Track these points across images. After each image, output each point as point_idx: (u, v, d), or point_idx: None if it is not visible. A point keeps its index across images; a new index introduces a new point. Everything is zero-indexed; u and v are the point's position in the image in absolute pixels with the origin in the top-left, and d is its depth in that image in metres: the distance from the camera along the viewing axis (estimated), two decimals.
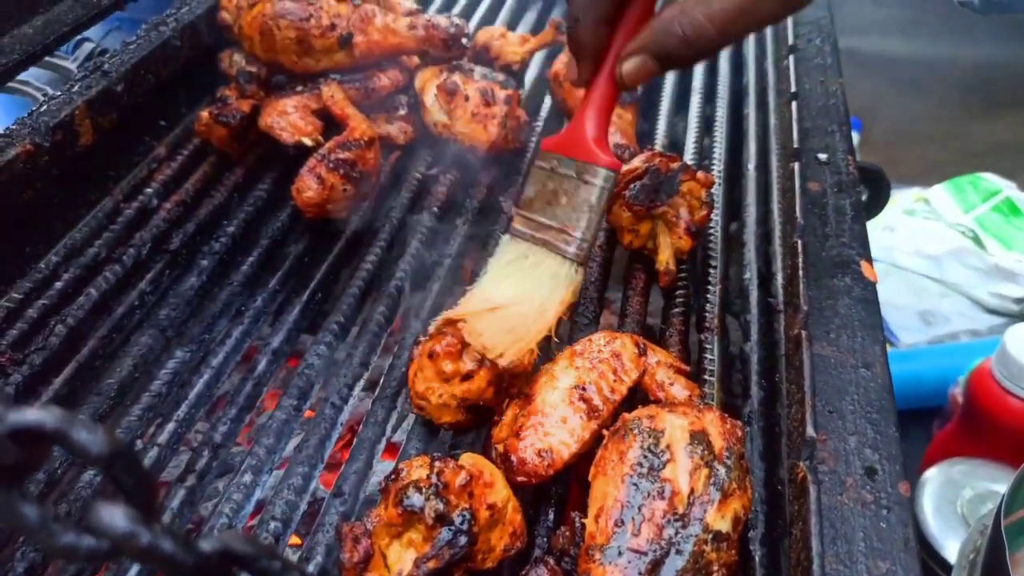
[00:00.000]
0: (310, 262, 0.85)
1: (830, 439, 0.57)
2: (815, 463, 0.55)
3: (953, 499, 1.04)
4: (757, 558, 0.55)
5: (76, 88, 0.88)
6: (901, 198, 1.94)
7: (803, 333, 0.63)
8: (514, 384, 0.64)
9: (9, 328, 0.73)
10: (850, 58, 2.20)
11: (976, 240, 1.76)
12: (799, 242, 0.71)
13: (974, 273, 1.74)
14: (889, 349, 1.66)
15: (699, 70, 1.14)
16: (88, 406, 0.68)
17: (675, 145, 1.01)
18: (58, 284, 0.78)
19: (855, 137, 1.88)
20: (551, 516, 0.61)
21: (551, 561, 0.57)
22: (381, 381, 0.71)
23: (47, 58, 1.23)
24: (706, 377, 0.71)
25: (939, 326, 1.71)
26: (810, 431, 0.56)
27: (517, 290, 0.66)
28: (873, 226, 1.93)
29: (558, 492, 0.63)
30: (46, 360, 0.71)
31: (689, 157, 0.96)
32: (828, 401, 0.59)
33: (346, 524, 0.54)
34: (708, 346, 0.74)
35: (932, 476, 1.09)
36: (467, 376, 0.62)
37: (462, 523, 0.53)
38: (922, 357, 1.61)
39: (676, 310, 0.78)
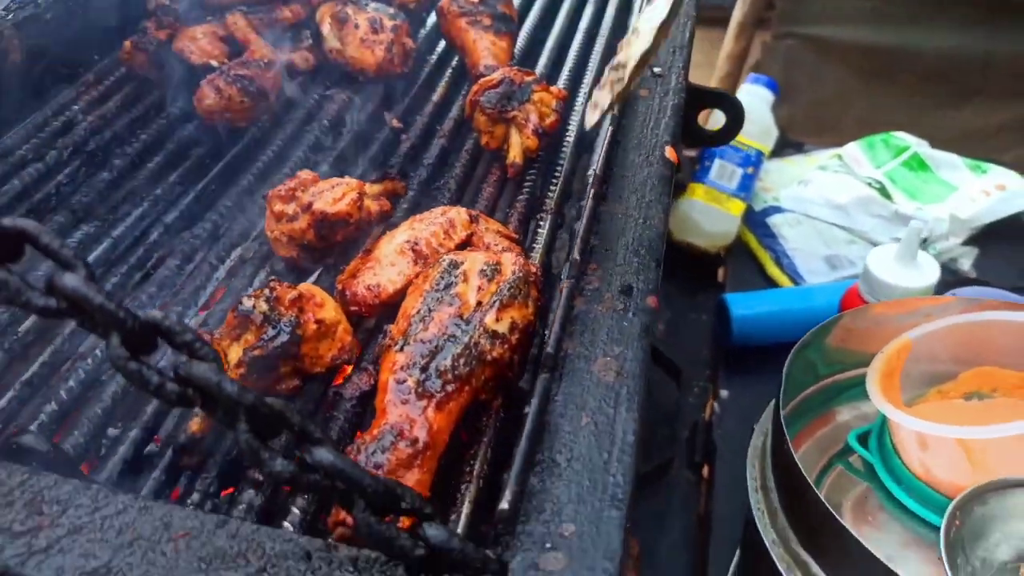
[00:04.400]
0: (210, 163, 0.97)
1: (601, 268, 0.69)
2: (583, 284, 0.68)
3: None
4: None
5: (11, 16, 1.01)
6: (819, 157, 2.07)
7: (592, 192, 0.75)
8: (335, 231, 0.76)
9: None
10: (819, 47, 2.29)
11: (883, 191, 1.89)
12: (609, 128, 0.83)
13: (878, 221, 1.86)
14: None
15: (587, 13, 1.26)
16: None
17: (555, 69, 1.13)
18: None
19: (770, 97, 2.01)
20: (379, 341, 0.73)
21: (370, 368, 0.69)
22: (253, 249, 0.83)
23: None
24: (535, 246, 0.83)
25: (844, 269, 1.83)
26: (575, 257, 0.68)
27: None
28: (789, 179, 2.06)
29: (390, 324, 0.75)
30: None
31: (564, 78, 1.09)
32: (605, 242, 0.72)
33: (198, 331, 0.67)
34: (542, 226, 0.86)
35: None
36: (292, 218, 0.74)
37: (286, 324, 0.65)
38: (820, 293, 1.73)
39: (520, 197, 0.90)
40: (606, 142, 0.82)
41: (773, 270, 1.87)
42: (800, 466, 0.74)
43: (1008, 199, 1.86)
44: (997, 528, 0.78)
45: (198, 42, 1.03)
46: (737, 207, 1.92)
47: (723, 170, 1.87)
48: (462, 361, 0.62)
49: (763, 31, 2.63)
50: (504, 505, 0.50)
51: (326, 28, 1.06)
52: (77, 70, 1.11)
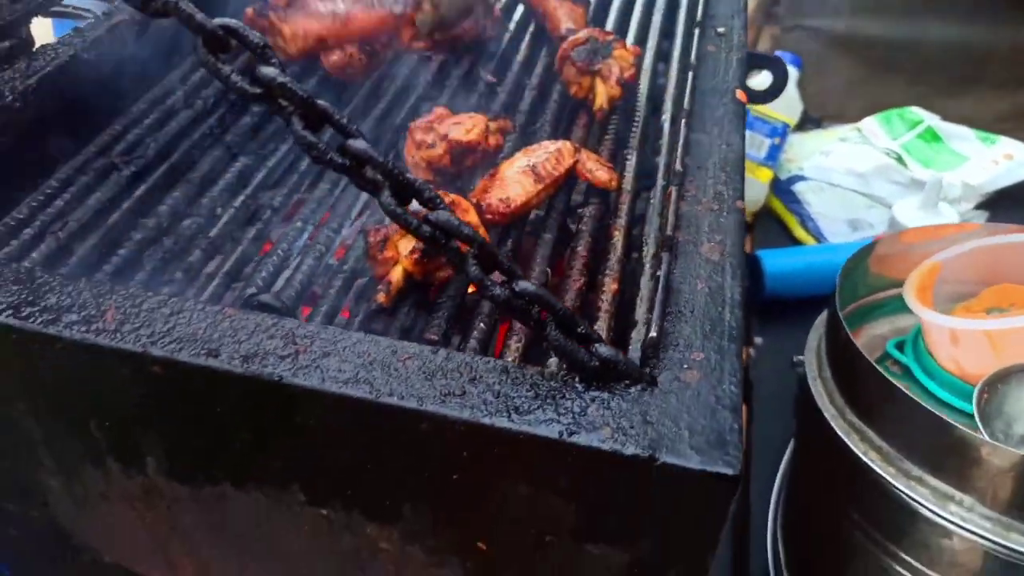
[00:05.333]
0: (338, 108, 1.12)
1: (695, 179, 0.85)
2: (683, 191, 0.83)
3: None
4: (646, 248, 0.83)
5: None
6: (839, 130, 2.22)
7: (683, 122, 0.90)
8: (466, 157, 0.91)
9: (116, 144, 1.01)
10: (826, 39, 2.41)
11: (899, 160, 2.04)
12: (690, 73, 0.98)
13: (896, 187, 2.01)
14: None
15: None
16: (178, 190, 0.96)
17: (620, 32, 1.28)
18: (147, 120, 1.05)
19: (795, 72, 2.15)
20: (508, 245, 0.88)
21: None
22: None
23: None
24: (625, 174, 0.98)
25: (864, 231, 1.99)
26: (678, 168, 0.84)
27: None
28: (811, 151, 2.20)
29: (517, 234, 0.90)
30: (146, 163, 0.99)
31: (630, 40, 1.24)
32: (696, 160, 0.87)
33: (371, 227, 0.82)
34: (629, 158, 1.01)
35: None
36: (431, 145, 0.90)
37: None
38: (846, 249, 1.88)
39: (607, 136, 1.06)
40: (689, 84, 0.97)
41: (799, 232, 2.03)
42: (857, 345, 0.89)
43: (1015, 168, 2.02)
44: (1018, 405, 0.94)
45: None
46: (765, 175, 2.08)
47: (752, 140, 2.03)
48: None
49: (771, 25, 2.76)
50: (653, 333, 0.66)
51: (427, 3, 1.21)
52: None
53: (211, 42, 0.53)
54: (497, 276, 0.61)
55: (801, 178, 2.08)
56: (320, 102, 0.56)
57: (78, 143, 0.99)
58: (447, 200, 0.82)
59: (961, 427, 0.79)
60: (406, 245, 0.81)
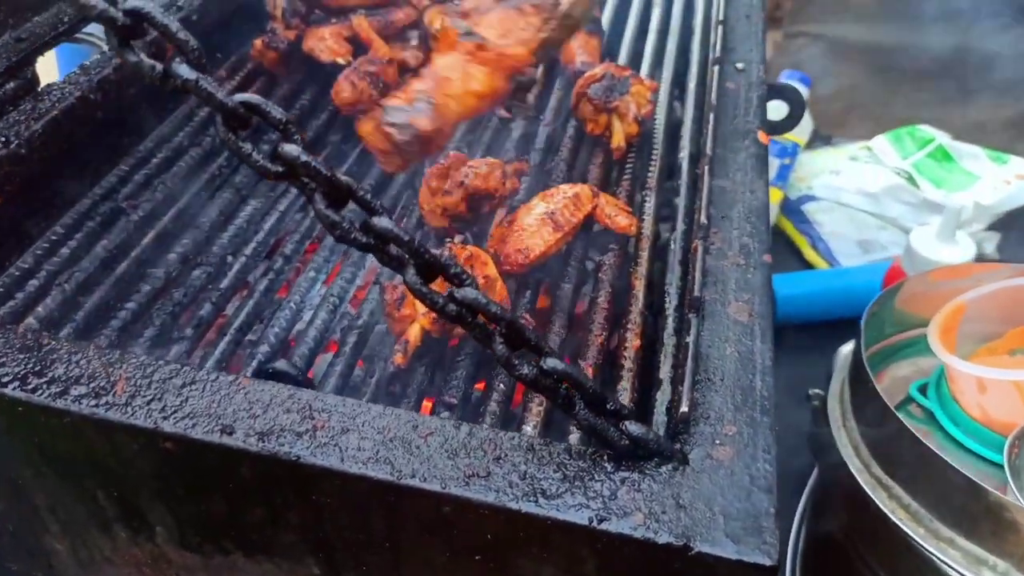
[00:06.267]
0: (346, 148, 1.10)
1: (721, 231, 0.82)
2: (708, 243, 0.81)
3: None
4: (668, 299, 0.81)
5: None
6: (849, 149, 2.19)
7: (707, 169, 0.88)
8: (483, 204, 0.89)
9: (123, 187, 0.98)
10: (829, 45, 2.39)
11: (911, 180, 2.02)
12: (711, 116, 0.96)
13: (907, 208, 1.99)
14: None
15: (655, 13, 1.39)
16: (187, 236, 0.93)
17: (634, 63, 1.26)
18: (154, 160, 1.03)
19: (804, 91, 2.13)
20: (527, 296, 0.86)
21: (528, 316, 0.82)
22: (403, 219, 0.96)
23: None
24: (644, 217, 0.96)
25: (876, 252, 1.96)
26: (703, 220, 0.81)
27: None
28: (821, 170, 2.18)
29: (534, 283, 0.88)
30: (153, 208, 0.96)
31: (643, 73, 1.22)
32: (721, 210, 0.85)
33: (388, 283, 0.80)
34: (647, 199, 0.99)
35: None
36: (447, 192, 0.87)
37: (465, 279, 0.78)
38: (858, 273, 1.86)
39: (625, 176, 1.03)
40: (711, 127, 0.95)
41: (810, 253, 2.01)
42: (883, 396, 0.87)
43: None
44: None
45: (326, 42, 1.16)
46: (775, 195, 2.05)
47: None
48: None
49: (774, 30, 2.74)
50: (684, 408, 0.63)
51: (435, 29, 1.19)
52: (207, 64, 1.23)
53: (231, 120, 0.51)
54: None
55: (811, 198, 2.06)
56: (343, 177, 0.53)
57: (83, 185, 0.97)
58: (464, 254, 0.80)
59: (995, 492, 0.77)
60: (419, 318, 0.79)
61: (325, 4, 1.19)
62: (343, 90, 1.09)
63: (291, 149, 0.51)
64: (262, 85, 1.19)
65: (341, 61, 1.15)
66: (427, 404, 0.79)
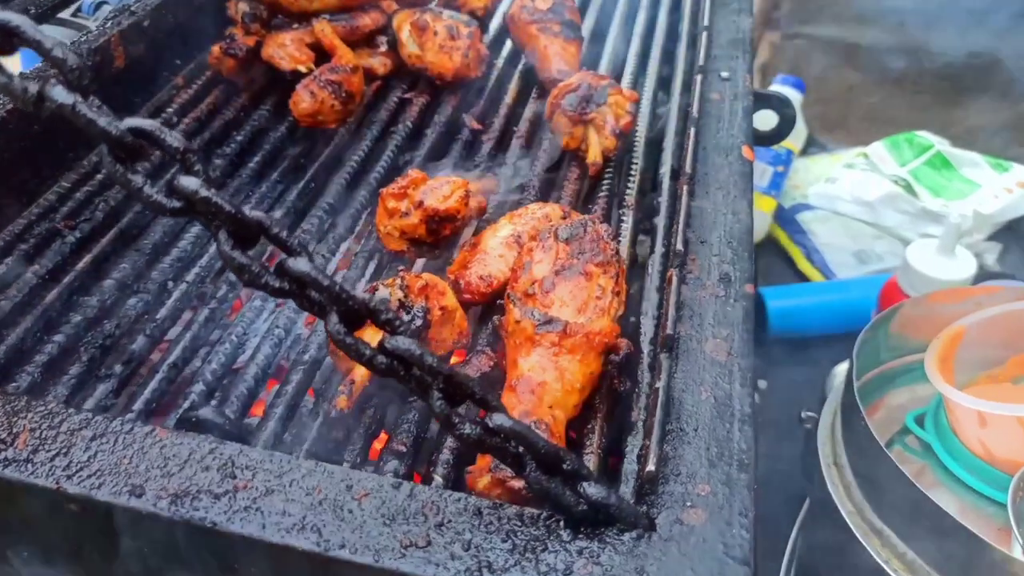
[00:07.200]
0: (306, 162, 1.03)
1: (698, 258, 0.75)
2: (684, 272, 0.74)
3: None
4: (643, 330, 0.74)
5: (109, 24, 1.06)
6: (845, 155, 2.13)
7: (685, 189, 0.81)
8: (445, 226, 0.82)
9: (62, 206, 0.91)
10: (827, 47, 2.34)
11: (908, 188, 1.95)
12: (692, 130, 0.89)
13: (905, 217, 1.92)
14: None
15: (640, 18, 1.32)
16: (127, 259, 0.86)
17: (615, 73, 1.19)
18: (99, 176, 0.96)
19: (799, 97, 2.06)
20: (489, 327, 0.79)
21: (488, 350, 0.75)
22: (361, 240, 0.89)
23: (70, 17, 1.42)
24: (620, 239, 0.89)
25: (872, 264, 1.89)
26: (679, 247, 0.74)
27: None
28: (816, 177, 2.11)
29: (499, 311, 0.81)
30: (93, 228, 0.89)
31: (626, 81, 1.15)
32: (700, 234, 0.78)
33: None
34: (624, 219, 0.92)
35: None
36: (405, 214, 0.80)
37: (419, 310, 0.71)
38: (854, 286, 1.79)
39: (601, 193, 0.96)
40: (691, 143, 0.88)
41: (804, 264, 1.94)
42: (876, 434, 0.80)
43: None
44: None
45: (286, 48, 1.09)
46: (768, 204, 1.99)
47: (754, 168, 1.94)
48: None
49: (771, 31, 2.68)
50: (650, 467, 0.57)
51: (405, 35, 1.12)
52: (161, 75, 1.16)
53: (119, 149, 0.44)
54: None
55: (806, 207, 1.99)
56: (254, 214, 0.47)
57: (18, 205, 0.90)
58: (419, 283, 0.73)
59: (1001, 549, 0.70)
60: (373, 338, 0.71)
61: (287, 8, 1.12)
62: (302, 100, 1.02)
63: (189, 182, 0.44)
64: (220, 94, 1.12)
65: (302, 69, 1.08)
66: (376, 447, 0.72)
